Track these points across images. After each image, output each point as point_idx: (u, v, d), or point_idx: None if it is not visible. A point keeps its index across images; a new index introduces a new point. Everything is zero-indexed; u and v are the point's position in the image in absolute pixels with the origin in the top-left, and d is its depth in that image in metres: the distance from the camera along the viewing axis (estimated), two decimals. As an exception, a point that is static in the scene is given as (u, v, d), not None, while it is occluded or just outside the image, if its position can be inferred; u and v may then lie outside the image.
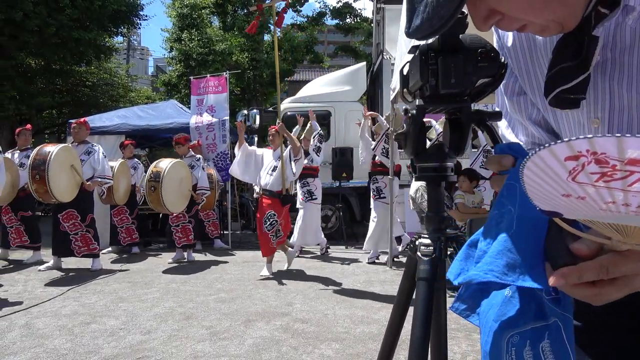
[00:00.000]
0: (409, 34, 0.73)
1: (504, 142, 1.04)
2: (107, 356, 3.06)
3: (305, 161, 6.44)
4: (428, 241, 1.07)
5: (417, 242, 1.10)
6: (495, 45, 0.93)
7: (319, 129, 6.80)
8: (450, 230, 1.11)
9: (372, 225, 6.45)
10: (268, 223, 5.33)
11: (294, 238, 6.86)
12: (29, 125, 6.79)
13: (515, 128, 1.05)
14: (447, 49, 0.85)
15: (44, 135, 16.33)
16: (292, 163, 5.50)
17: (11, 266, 6.09)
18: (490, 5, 0.65)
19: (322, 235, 7.06)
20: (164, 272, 5.79)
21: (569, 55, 0.70)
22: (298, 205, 6.82)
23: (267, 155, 5.67)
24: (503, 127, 1.09)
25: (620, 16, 0.68)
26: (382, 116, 7.24)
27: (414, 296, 1.10)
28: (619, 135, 0.48)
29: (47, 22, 10.74)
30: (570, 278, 0.57)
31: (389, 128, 6.24)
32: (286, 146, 5.58)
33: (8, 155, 6.21)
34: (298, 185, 6.91)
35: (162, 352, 3.14)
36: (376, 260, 6.38)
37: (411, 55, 1.02)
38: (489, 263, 0.67)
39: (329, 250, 7.14)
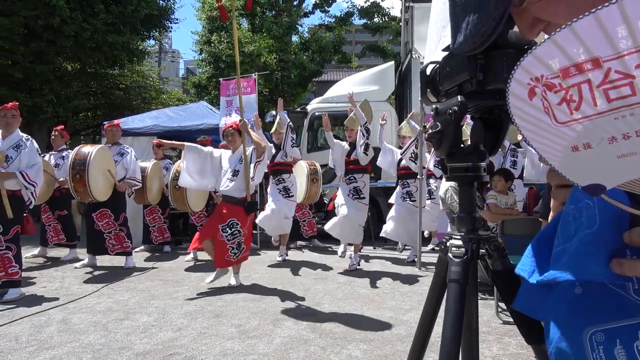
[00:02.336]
0: (454, 49, 0.74)
1: None
2: (140, 352, 3.14)
3: (279, 156, 6.33)
4: (459, 242, 1.06)
5: (448, 244, 1.09)
6: None
7: (288, 120, 6.34)
8: (483, 232, 1.09)
9: (344, 220, 5.87)
10: (229, 232, 4.73)
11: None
12: (60, 126, 7.02)
13: None
14: (496, 44, 0.83)
15: (80, 137, 16.85)
16: (252, 166, 4.80)
17: (49, 263, 6.30)
18: (534, 14, 0.65)
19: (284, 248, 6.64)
20: (194, 270, 5.89)
21: None
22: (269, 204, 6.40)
23: (225, 157, 5.03)
24: None
25: None
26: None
27: (444, 298, 1.09)
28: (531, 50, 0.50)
29: (82, 27, 11.10)
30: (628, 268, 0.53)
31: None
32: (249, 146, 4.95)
33: (45, 157, 6.44)
34: (271, 182, 6.45)
35: (192, 349, 3.19)
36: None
37: (442, 54, 1.01)
38: (577, 260, 0.64)
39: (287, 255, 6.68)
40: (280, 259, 6.51)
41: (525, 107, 0.54)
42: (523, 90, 0.53)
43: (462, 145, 1.01)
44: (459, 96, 0.95)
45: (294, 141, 6.32)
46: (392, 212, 6.52)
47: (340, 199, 6.09)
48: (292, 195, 6.47)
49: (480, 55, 0.84)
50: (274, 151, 6.49)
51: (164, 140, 5.55)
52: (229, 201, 4.87)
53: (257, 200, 5.09)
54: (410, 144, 6.33)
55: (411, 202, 6.33)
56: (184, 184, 5.26)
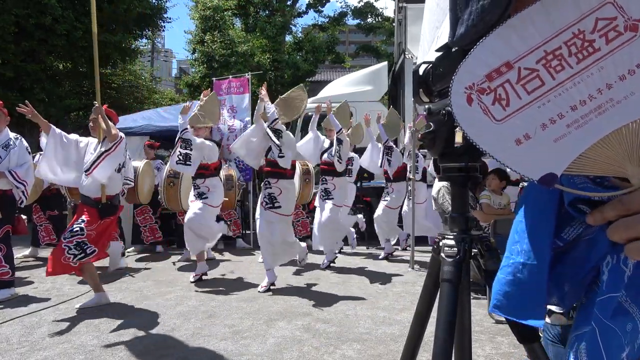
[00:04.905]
0: (453, 42, 0.75)
1: None
2: (132, 352, 3.12)
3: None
4: (452, 242, 1.06)
5: (440, 243, 1.09)
6: None
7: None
8: (475, 231, 1.10)
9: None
10: (68, 230, 3.97)
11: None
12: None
13: None
14: None
15: (72, 137, 16.75)
16: (99, 158, 3.99)
17: (40, 263, 6.25)
18: None
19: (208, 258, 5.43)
20: (187, 270, 5.86)
21: None
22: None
23: (91, 147, 4.22)
24: None
25: None
26: (408, 117, 7.21)
27: (437, 297, 1.09)
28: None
29: (74, 26, 11.03)
30: (595, 216, 0.60)
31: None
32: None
33: (36, 158, 6.39)
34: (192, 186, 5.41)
35: (185, 349, 3.18)
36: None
37: (436, 54, 1.01)
38: (497, 295, 0.76)
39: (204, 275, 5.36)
40: (193, 279, 5.20)
41: (467, 113, 0.63)
42: (461, 99, 0.63)
43: (455, 146, 1.02)
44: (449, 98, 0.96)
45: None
46: (316, 216, 6.04)
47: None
48: (207, 197, 5.19)
49: None
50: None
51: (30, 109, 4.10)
52: (84, 202, 4.10)
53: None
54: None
55: (329, 200, 5.88)
56: (42, 175, 4.30)
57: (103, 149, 4.02)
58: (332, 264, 6.06)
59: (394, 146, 6.60)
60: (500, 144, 0.60)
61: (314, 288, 4.92)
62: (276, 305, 4.25)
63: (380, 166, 6.59)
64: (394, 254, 6.91)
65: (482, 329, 3.57)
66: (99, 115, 4.07)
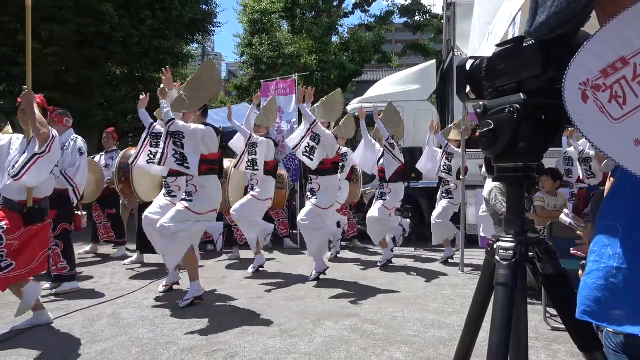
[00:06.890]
0: (530, 32, 0.74)
1: None
2: (185, 347, 3.22)
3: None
4: (508, 245, 1.02)
5: (495, 246, 1.06)
6: None
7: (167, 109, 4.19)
8: (532, 234, 1.06)
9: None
10: None
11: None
12: (110, 128, 7.30)
13: None
14: (569, 43, 0.78)
15: (128, 138, 17.49)
16: (30, 161, 3.36)
17: (100, 260, 6.58)
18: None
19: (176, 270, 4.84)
20: (236, 269, 5.99)
21: None
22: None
23: (16, 144, 3.64)
24: None
25: None
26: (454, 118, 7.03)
27: (491, 301, 1.06)
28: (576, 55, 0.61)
29: (130, 33, 11.55)
30: None
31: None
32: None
33: (96, 158, 6.75)
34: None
35: (235, 345, 3.25)
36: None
37: (487, 50, 0.98)
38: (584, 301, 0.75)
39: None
40: (162, 289, 4.78)
41: (583, 111, 0.60)
42: (576, 96, 0.61)
43: (516, 145, 0.96)
44: (521, 94, 0.91)
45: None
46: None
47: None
48: (192, 200, 4.36)
49: (553, 53, 0.81)
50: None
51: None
52: (6, 206, 3.49)
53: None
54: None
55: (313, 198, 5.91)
56: None
57: (35, 151, 3.39)
58: (321, 276, 5.37)
59: (395, 144, 6.30)
60: (618, 143, 0.57)
61: (360, 289, 4.90)
62: (323, 305, 4.26)
63: (378, 163, 6.35)
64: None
65: (538, 335, 3.44)
66: (27, 106, 3.40)
